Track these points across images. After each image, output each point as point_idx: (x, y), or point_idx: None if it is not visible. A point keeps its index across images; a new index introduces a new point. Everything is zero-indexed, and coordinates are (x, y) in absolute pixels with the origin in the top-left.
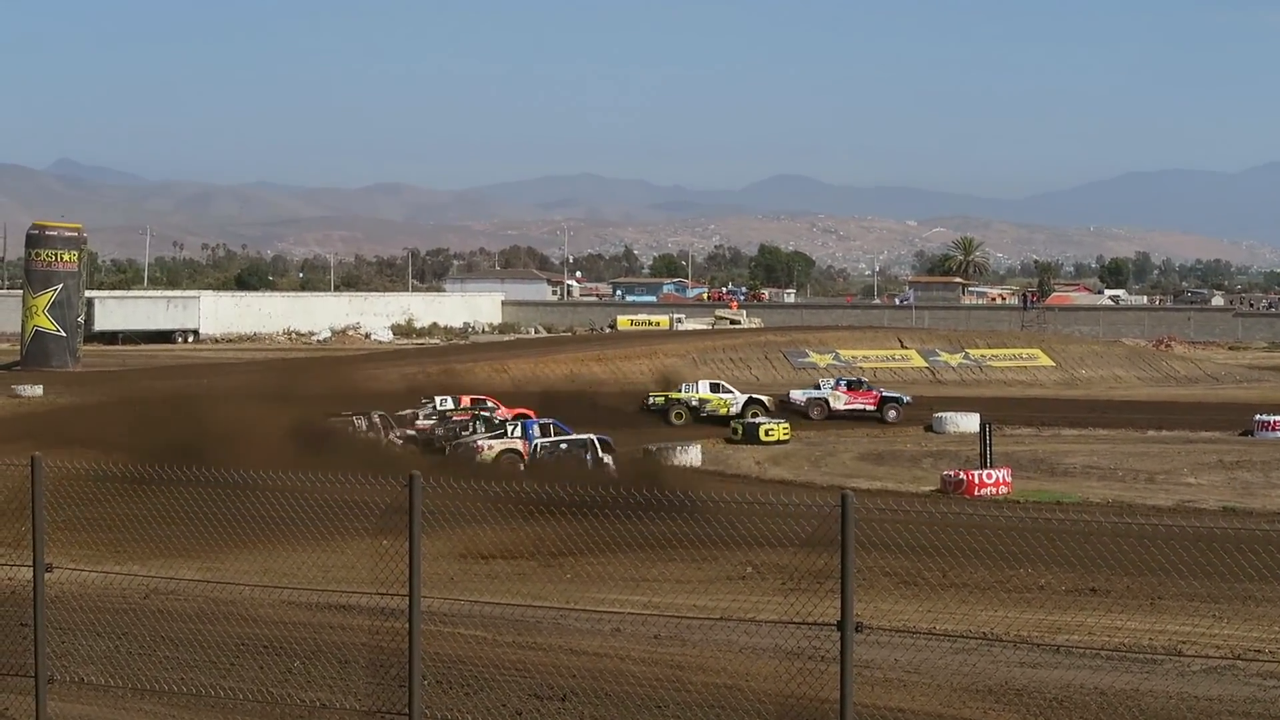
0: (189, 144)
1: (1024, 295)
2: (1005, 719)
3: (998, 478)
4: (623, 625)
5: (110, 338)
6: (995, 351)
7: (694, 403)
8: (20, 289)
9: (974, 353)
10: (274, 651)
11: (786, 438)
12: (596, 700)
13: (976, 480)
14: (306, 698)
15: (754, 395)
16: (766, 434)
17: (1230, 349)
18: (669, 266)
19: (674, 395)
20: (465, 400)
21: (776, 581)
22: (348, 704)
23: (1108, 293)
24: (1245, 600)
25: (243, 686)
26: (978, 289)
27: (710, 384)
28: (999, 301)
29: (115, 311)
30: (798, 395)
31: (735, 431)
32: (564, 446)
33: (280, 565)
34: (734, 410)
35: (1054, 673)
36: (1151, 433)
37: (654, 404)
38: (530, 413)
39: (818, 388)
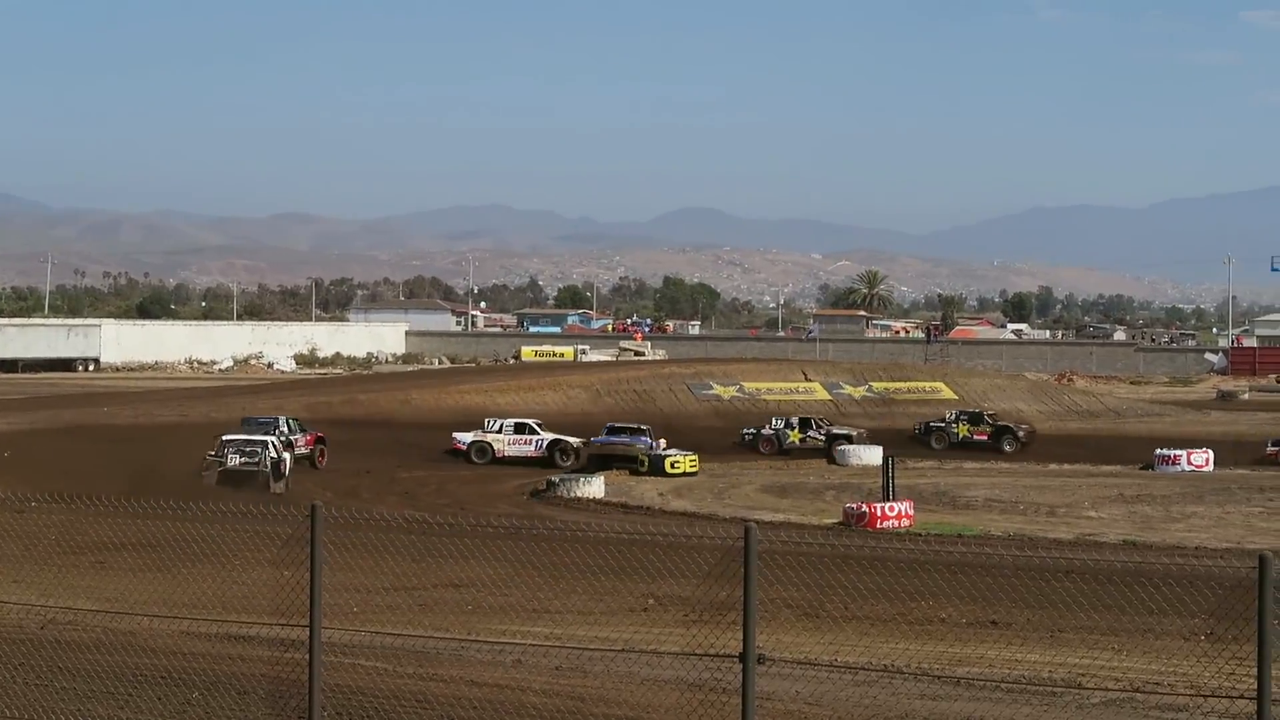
0: (96, 171)
1: (928, 329)
2: None
3: (900, 510)
4: (524, 656)
5: (10, 366)
6: (899, 384)
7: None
8: None
9: (877, 385)
10: (173, 682)
11: (694, 470)
12: None
13: (879, 513)
14: None
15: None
16: (673, 466)
17: (1132, 383)
18: (574, 298)
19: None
20: None
21: (679, 613)
22: None
23: (1011, 327)
24: (1144, 633)
25: (141, 718)
26: (882, 322)
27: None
28: (903, 335)
29: (15, 340)
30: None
31: (641, 463)
32: None
33: (180, 595)
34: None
35: (955, 705)
36: (1053, 466)
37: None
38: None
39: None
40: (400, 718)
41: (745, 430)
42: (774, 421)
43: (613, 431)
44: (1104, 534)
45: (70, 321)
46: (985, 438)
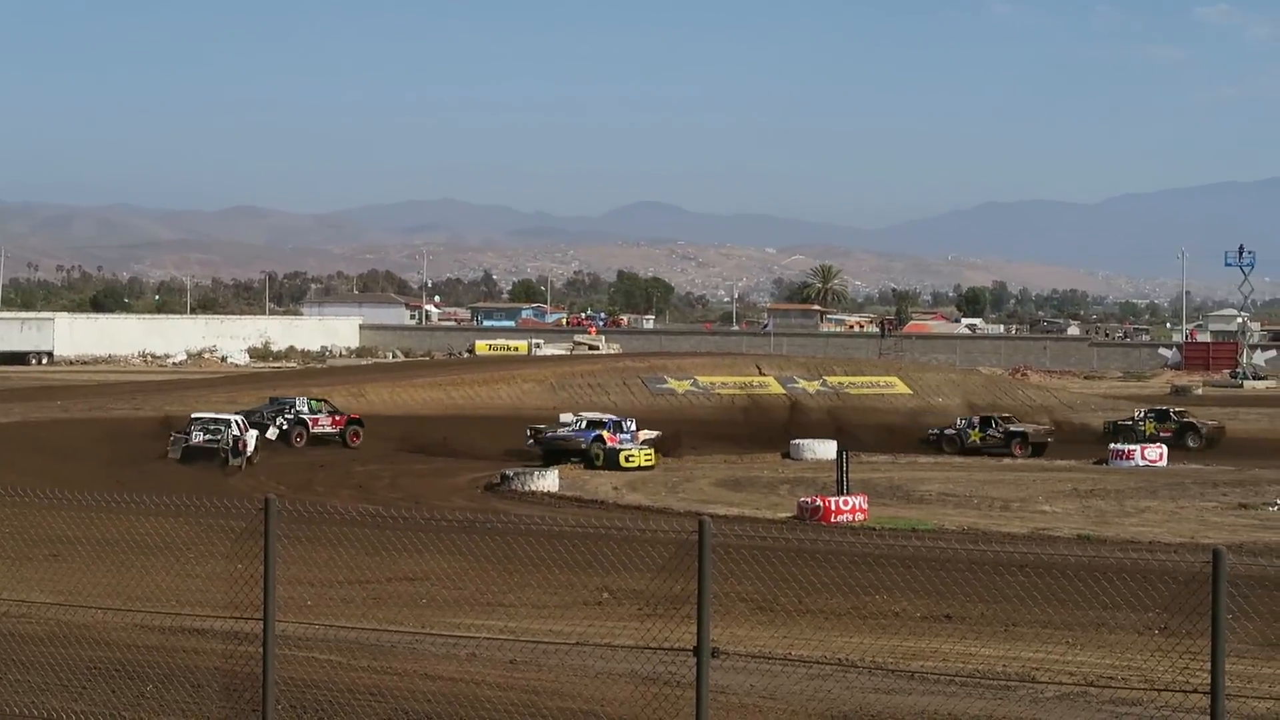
0: (49, 166)
1: (882, 323)
2: None
3: (854, 504)
4: (478, 650)
5: None
6: (853, 379)
7: None
8: None
9: (831, 380)
10: (127, 675)
11: (650, 464)
12: None
13: (833, 507)
14: None
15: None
16: (627, 460)
17: (1085, 378)
18: (528, 291)
19: None
20: None
21: (633, 607)
22: None
23: (964, 321)
24: (1098, 628)
25: (95, 710)
26: (836, 317)
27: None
28: (857, 329)
29: None
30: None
31: (596, 457)
32: None
33: (134, 588)
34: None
35: (909, 699)
36: (1007, 460)
37: None
38: None
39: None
40: (354, 710)
41: (930, 430)
42: (958, 421)
43: (591, 425)
44: (1058, 528)
45: (23, 315)
46: (1170, 435)
